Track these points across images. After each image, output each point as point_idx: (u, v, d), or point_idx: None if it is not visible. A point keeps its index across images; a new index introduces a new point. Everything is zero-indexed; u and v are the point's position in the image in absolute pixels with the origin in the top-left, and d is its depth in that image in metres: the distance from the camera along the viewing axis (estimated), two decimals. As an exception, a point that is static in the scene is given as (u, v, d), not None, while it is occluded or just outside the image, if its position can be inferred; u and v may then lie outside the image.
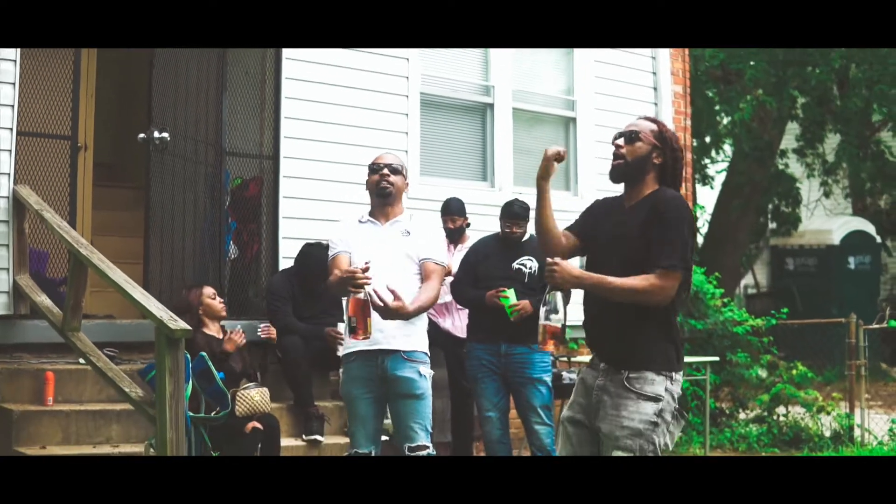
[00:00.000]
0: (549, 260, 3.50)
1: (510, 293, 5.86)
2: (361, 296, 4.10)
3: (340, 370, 4.56)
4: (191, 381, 4.71)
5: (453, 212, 6.62)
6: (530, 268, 6.12)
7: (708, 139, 13.45)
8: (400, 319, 4.25)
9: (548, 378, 6.09)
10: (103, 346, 5.73)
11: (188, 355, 4.76)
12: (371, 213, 4.56)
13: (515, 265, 6.07)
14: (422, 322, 4.52)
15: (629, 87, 8.46)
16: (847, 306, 13.39)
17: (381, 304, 4.15)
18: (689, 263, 3.47)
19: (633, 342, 3.53)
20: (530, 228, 6.27)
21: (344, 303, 4.29)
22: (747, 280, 16.00)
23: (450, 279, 6.31)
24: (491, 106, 7.79)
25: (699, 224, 8.57)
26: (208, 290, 5.76)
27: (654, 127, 3.61)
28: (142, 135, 6.03)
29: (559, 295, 3.51)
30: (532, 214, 6.07)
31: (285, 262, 6.60)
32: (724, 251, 13.48)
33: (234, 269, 6.70)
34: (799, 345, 10.72)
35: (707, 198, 14.73)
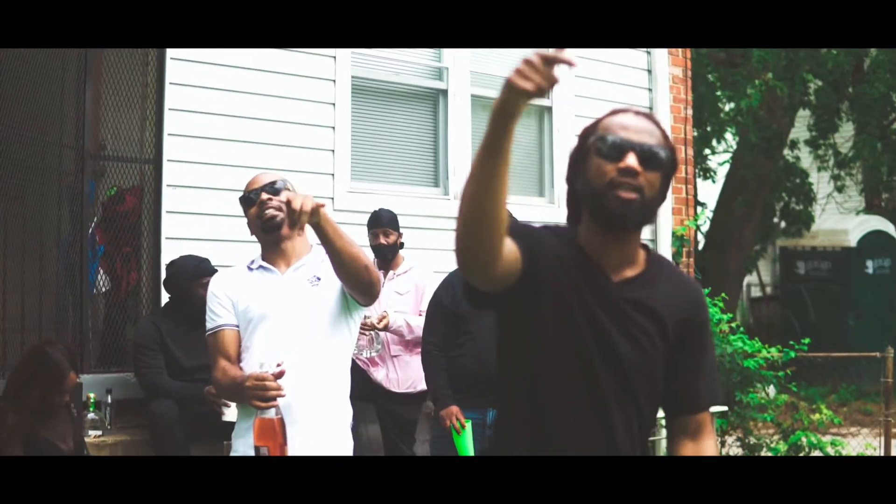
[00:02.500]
0: None
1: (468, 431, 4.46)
2: (272, 414, 2.84)
3: None
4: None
5: (385, 223, 5.13)
6: None
7: (709, 128, 11.98)
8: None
9: None
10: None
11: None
12: (264, 257, 3.22)
13: None
14: (342, 421, 3.16)
15: (618, 70, 6.95)
16: (865, 315, 12.04)
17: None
18: None
19: None
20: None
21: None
22: (750, 278, 14.55)
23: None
24: (444, 92, 6.29)
25: (700, 223, 7.21)
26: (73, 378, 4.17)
27: (661, 134, 2.11)
28: (-45, 135, 4.48)
29: None
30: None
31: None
32: (727, 254, 12.01)
33: (108, 305, 5.31)
34: (817, 369, 9.23)
35: (708, 193, 13.26)
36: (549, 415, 2.05)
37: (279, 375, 2.88)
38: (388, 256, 5.11)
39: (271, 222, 3.12)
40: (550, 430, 2.05)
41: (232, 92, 5.38)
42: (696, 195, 9.05)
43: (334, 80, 5.73)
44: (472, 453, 4.41)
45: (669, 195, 6.62)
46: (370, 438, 5.37)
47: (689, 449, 2.14)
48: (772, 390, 7.55)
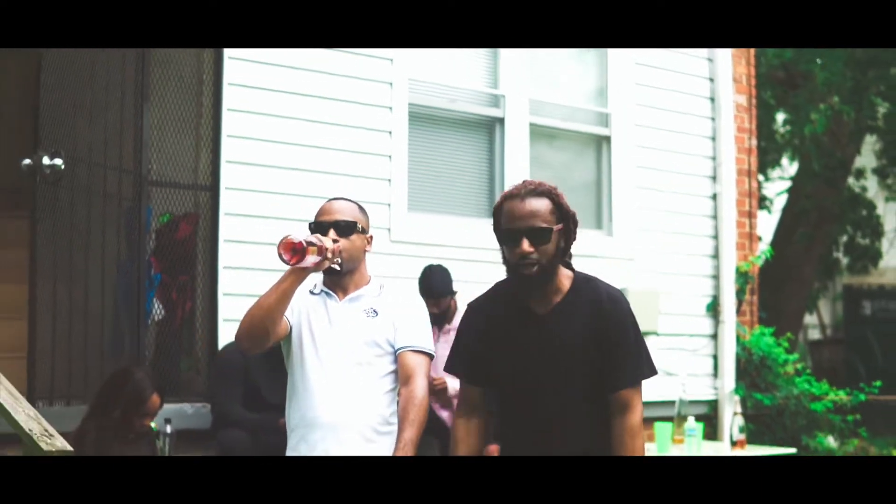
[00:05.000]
0: None
1: None
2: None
3: None
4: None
5: (436, 293, 5.71)
6: None
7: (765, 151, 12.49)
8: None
9: None
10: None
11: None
12: (325, 283, 3.81)
13: None
14: (387, 445, 3.67)
15: (679, 98, 7.56)
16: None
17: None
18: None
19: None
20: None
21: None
22: (810, 318, 14.96)
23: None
24: (501, 121, 6.88)
25: (756, 256, 7.77)
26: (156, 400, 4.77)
27: (549, 203, 3.17)
28: (27, 160, 5.08)
29: None
30: None
31: (227, 327, 5.65)
32: (786, 292, 12.43)
33: (160, 334, 5.82)
34: (886, 414, 9.73)
35: (765, 226, 13.69)
36: (511, 427, 3.28)
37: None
38: (442, 324, 5.70)
39: (330, 268, 3.60)
40: (514, 439, 3.28)
41: (287, 119, 5.95)
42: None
43: (391, 108, 6.30)
44: None
45: (732, 229, 7.31)
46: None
47: (617, 424, 3.13)
48: (831, 441, 8.00)
